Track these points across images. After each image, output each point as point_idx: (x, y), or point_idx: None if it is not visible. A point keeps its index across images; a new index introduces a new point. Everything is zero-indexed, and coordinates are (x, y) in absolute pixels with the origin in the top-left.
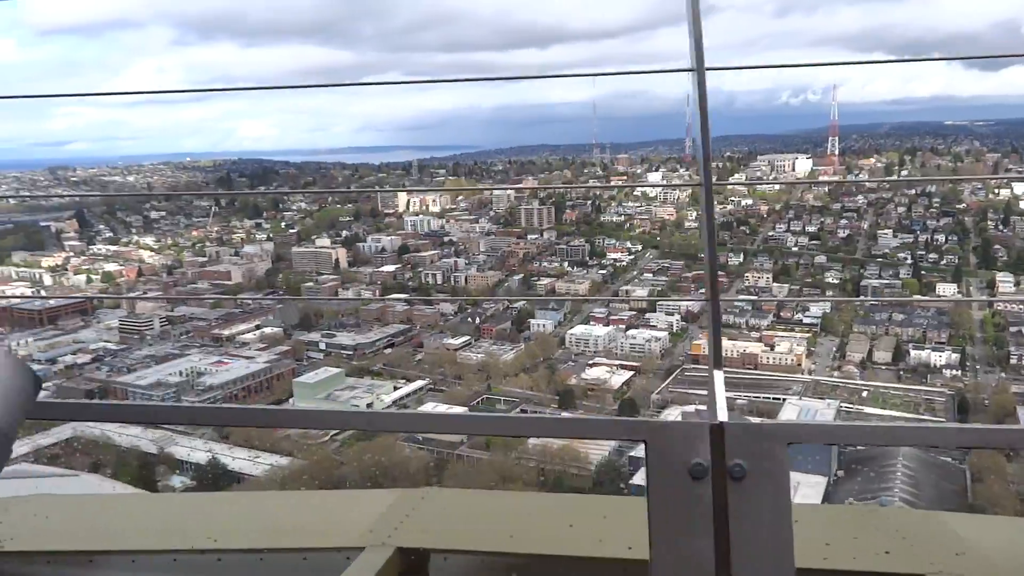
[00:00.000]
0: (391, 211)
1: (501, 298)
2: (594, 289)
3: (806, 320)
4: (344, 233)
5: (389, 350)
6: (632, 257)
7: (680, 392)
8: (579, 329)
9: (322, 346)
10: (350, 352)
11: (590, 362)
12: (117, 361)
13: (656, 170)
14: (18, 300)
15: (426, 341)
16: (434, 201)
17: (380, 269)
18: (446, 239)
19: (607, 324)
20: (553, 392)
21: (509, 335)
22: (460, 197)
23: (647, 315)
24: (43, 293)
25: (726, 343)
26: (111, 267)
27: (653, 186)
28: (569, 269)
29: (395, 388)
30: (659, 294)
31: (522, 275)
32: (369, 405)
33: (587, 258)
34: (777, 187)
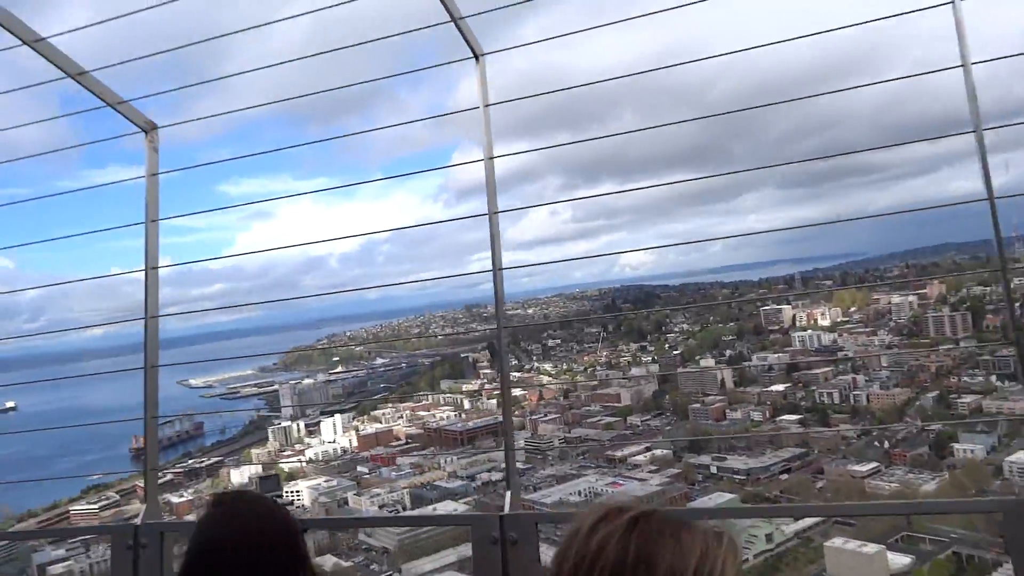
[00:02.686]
0: (776, 327)
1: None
2: None
3: None
4: (728, 352)
5: (785, 475)
6: None
7: None
8: (1021, 455)
9: (713, 469)
10: (743, 476)
11: None
12: (524, 480)
13: None
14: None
15: (827, 467)
16: (823, 314)
17: (768, 389)
18: (840, 354)
19: None
20: (994, 534)
21: (928, 462)
22: (853, 308)
23: None
24: (463, 416)
25: None
26: (517, 391)
27: None
28: (999, 384)
29: (795, 519)
30: None
31: (937, 392)
32: (769, 536)
33: (1020, 370)
34: None
